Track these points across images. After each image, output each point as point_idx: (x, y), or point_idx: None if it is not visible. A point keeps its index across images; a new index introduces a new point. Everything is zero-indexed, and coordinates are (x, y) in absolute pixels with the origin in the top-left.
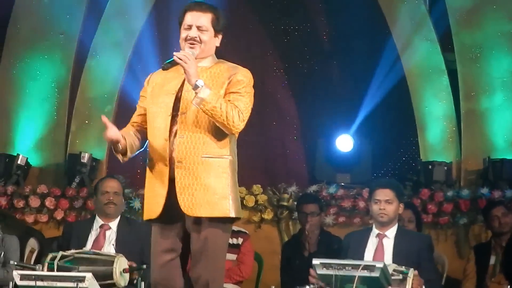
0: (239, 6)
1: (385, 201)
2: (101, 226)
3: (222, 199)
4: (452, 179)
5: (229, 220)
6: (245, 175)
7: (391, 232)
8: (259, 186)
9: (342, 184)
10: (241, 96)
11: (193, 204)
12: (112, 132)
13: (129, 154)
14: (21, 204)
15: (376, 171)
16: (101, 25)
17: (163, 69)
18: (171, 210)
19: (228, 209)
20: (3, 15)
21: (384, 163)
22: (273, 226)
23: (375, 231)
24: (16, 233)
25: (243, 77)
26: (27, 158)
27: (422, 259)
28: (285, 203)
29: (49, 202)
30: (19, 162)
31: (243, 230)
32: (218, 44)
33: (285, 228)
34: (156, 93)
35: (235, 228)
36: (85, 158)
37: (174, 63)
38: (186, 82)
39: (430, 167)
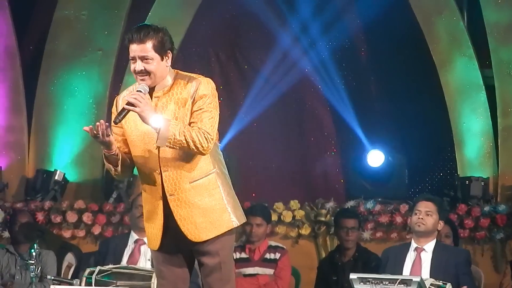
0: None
1: (425, 212)
2: (135, 241)
3: (222, 214)
4: (489, 195)
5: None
6: (282, 191)
7: (429, 246)
8: (297, 201)
9: (380, 199)
10: (205, 112)
11: (198, 230)
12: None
13: (120, 168)
14: (58, 219)
15: (413, 187)
16: None
17: (116, 123)
18: (173, 239)
19: (231, 220)
20: (42, 32)
21: (421, 178)
22: (310, 241)
23: (413, 245)
24: (53, 248)
25: (205, 90)
26: (64, 174)
27: (461, 273)
28: (322, 219)
29: (86, 218)
30: (56, 177)
31: (280, 245)
32: (169, 64)
33: (323, 244)
34: (131, 122)
35: (272, 243)
36: None
37: (127, 112)
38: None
39: (467, 182)
